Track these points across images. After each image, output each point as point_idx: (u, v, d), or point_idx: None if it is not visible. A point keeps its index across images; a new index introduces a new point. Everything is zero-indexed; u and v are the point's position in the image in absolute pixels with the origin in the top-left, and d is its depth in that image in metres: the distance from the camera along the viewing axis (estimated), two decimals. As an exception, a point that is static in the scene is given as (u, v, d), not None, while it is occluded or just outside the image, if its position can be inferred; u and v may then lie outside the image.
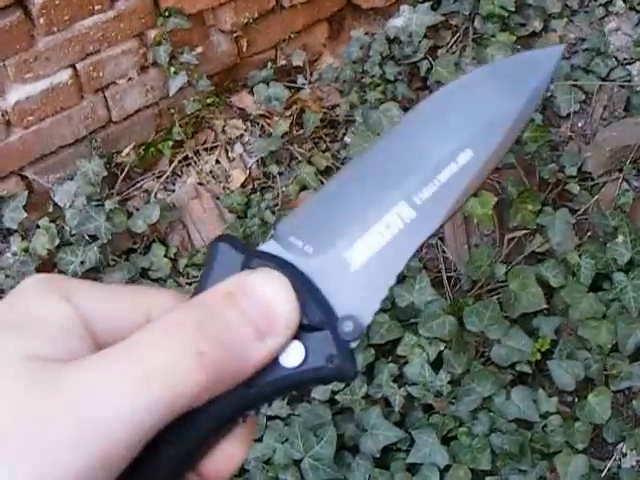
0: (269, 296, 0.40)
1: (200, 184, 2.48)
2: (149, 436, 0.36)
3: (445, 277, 2.31)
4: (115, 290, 0.43)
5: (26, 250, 2.25)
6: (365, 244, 0.45)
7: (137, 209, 2.38)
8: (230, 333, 0.39)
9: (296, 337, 0.42)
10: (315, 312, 0.43)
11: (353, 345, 0.44)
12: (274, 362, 0.41)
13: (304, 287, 0.43)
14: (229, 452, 0.43)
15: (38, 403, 0.35)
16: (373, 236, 0.45)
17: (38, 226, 2.28)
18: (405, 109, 2.50)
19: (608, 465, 2.07)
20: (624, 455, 2.09)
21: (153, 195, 2.44)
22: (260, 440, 2.09)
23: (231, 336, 0.38)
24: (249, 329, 0.39)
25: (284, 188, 2.46)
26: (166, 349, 0.37)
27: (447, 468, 2.01)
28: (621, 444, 2.10)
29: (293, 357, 0.42)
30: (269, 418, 2.12)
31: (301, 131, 2.56)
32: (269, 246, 0.45)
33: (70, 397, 0.35)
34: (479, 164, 0.46)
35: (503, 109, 0.47)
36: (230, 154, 2.54)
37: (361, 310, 0.44)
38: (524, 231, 2.35)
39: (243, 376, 0.39)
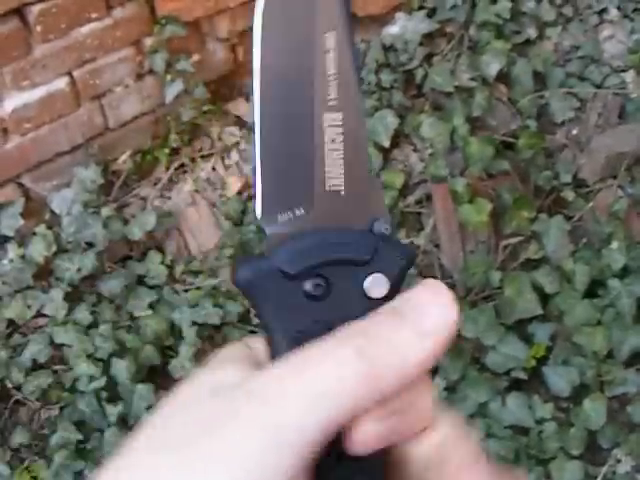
0: (428, 301, 0.41)
1: (196, 191, 2.49)
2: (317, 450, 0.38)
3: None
4: None
5: (23, 257, 2.26)
6: (332, 167, 0.45)
7: (133, 216, 2.38)
8: (391, 336, 0.40)
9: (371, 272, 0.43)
10: (365, 241, 0.44)
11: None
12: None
13: (331, 235, 0.44)
14: None
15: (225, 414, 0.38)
16: (332, 155, 0.45)
17: (35, 233, 2.29)
18: (400, 117, 2.51)
19: (603, 471, 2.08)
20: (619, 461, 2.10)
21: (149, 202, 2.45)
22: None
23: (391, 338, 0.40)
24: (408, 330, 0.40)
25: (280, 195, 2.46)
26: (330, 361, 0.39)
27: (443, 474, 2.02)
28: (616, 450, 2.10)
29: (378, 290, 0.43)
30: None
31: (297, 138, 2.56)
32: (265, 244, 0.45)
33: (255, 404, 0.38)
34: (345, 41, 0.46)
35: None
36: (226, 161, 2.55)
37: (375, 205, 0.45)
38: (519, 238, 2.36)
39: (405, 377, 0.40)
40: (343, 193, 0.44)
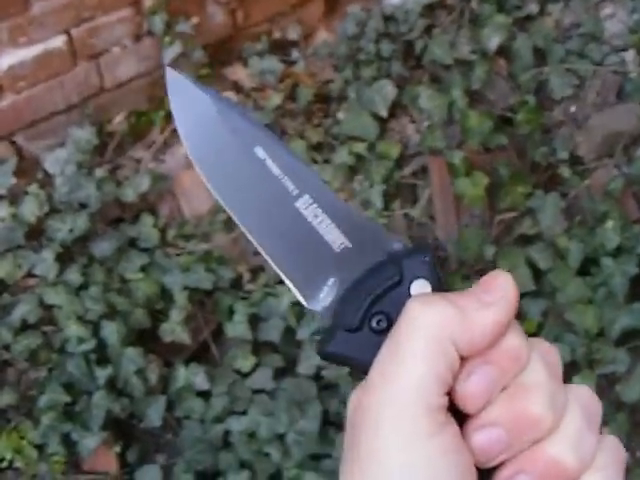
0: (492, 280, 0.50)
1: (191, 155, 2.46)
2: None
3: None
4: None
5: (14, 216, 2.24)
6: (328, 234, 0.52)
7: (127, 178, 2.36)
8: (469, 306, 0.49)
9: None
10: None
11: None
12: None
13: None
14: None
15: None
16: (322, 226, 0.53)
17: (27, 192, 2.27)
18: (399, 87, 2.50)
19: (590, 448, 2.09)
20: (606, 438, 2.11)
21: (143, 165, 2.43)
22: (245, 413, 2.09)
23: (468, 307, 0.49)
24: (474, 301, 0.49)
25: (275, 162, 2.45)
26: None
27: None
28: (603, 428, 2.11)
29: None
30: (254, 392, 2.12)
31: (294, 105, 2.55)
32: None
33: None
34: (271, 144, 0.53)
35: None
36: (222, 126, 2.52)
37: (380, 234, 0.53)
38: (514, 213, 2.35)
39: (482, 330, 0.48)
40: (351, 245, 0.52)
